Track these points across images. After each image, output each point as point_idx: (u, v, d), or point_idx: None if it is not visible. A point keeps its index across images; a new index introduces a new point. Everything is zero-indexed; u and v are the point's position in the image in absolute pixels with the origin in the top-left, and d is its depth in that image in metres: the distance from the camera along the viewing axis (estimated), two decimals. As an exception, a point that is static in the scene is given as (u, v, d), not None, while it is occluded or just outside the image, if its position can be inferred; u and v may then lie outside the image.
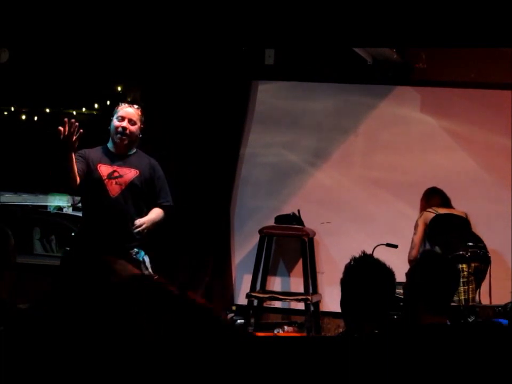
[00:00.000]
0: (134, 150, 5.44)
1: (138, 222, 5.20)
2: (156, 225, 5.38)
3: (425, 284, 3.34)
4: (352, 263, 3.13)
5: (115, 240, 5.18)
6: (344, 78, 7.60)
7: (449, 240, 6.52)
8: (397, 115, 7.55)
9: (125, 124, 5.32)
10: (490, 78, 7.26)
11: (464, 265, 6.34)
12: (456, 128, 7.45)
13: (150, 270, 5.28)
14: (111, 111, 5.56)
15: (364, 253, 3.18)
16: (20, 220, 9.83)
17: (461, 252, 6.37)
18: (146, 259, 5.33)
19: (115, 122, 5.34)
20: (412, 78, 7.59)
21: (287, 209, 7.51)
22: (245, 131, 7.77)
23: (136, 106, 5.39)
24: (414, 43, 6.47)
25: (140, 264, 5.15)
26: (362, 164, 7.63)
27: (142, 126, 5.40)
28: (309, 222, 7.47)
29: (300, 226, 7.41)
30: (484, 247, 6.52)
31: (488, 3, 4.62)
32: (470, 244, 6.45)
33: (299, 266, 7.46)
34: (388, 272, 3.12)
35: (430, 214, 6.71)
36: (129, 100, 5.56)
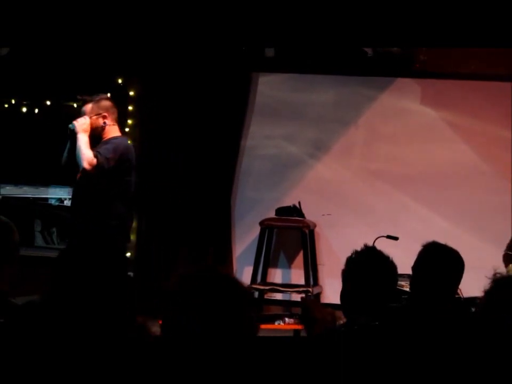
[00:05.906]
0: (109, 138, 5.50)
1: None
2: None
3: (430, 275, 3.42)
4: (353, 255, 3.12)
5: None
6: (344, 70, 7.60)
7: None
8: (397, 107, 7.55)
9: None
10: (490, 69, 7.26)
11: None
12: (456, 119, 7.45)
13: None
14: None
15: (366, 245, 3.18)
16: (20, 212, 9.82)
17: None
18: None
19: None
20: (412, 70, 7.58)
21: (288, 201, 7.52)
22: (246, 123, 7.78)
23: (85, 104, 5.65)
24: (414, 43, 6.48)
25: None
26: (363, 156, 7.64)
27: (99, 114, 5.51)
28: (310, 214, 7.48)
29: (300, 218, 7.42)
30: None
31: (488, 3, 4.62)
32: None
33: (300, 258, 7.47)
34: (390, 265, 3.12)
35: None
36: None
